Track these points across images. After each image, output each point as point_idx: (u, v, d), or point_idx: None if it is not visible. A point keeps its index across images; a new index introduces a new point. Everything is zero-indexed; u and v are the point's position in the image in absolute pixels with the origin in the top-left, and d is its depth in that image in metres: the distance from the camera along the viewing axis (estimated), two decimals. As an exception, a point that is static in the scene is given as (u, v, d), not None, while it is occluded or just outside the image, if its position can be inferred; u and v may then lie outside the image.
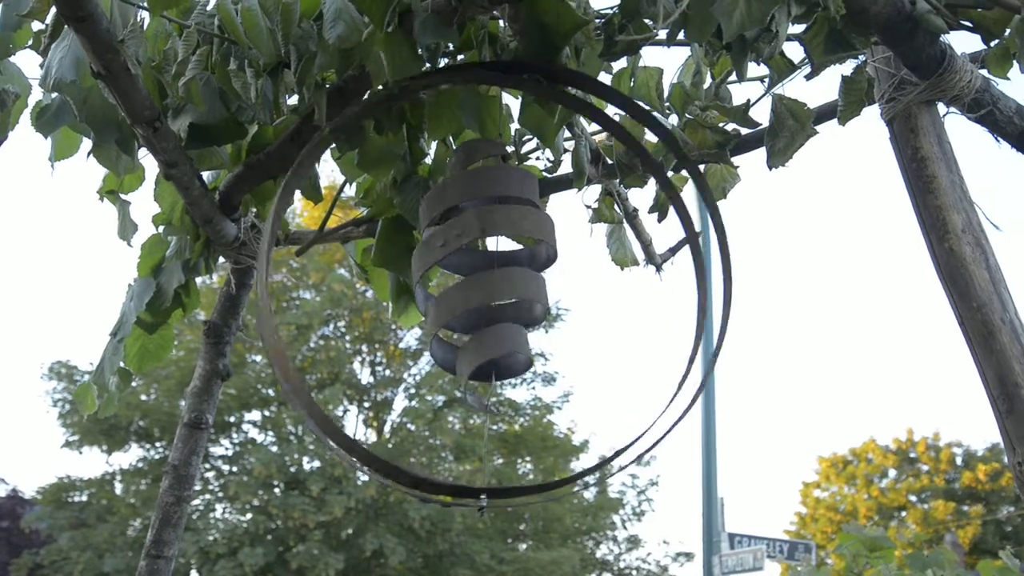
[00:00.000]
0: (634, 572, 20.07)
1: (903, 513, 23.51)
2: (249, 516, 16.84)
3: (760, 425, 56.70)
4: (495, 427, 18.24)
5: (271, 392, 17.64)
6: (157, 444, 16.88)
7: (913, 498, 23.89)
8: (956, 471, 23.85)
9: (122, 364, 2.35)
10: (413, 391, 18.83)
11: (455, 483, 1.55)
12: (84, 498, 16.97)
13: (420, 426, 17.98)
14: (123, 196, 2.20)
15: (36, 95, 1.95)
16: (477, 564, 17.05)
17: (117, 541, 16.30)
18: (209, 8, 1.67)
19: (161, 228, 2.27)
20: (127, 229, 2.22)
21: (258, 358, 17.82)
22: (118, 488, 16.81)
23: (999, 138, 1.82)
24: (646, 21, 1.51)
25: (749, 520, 63.94)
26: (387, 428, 19.21)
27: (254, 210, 2.30)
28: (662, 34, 1.60)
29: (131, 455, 16.87)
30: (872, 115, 1.91)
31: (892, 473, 25.05)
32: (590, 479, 15.31)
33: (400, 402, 18.91)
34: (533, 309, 1.70)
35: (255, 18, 1.57)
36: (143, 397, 16.70)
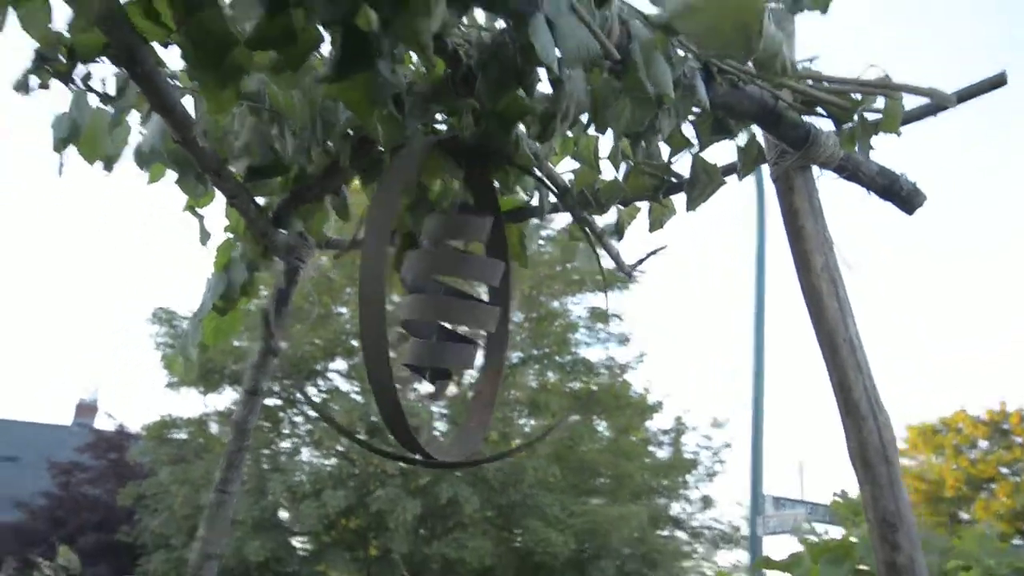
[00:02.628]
0: (706, 531, 20.64)
1: (992, 485, 23.17)
2: (333, 460, 18.13)
3: None
4: (570, 386, 18.95)
5: (355, 343, 18.83)
6: (247, 387, 18.54)
7: (1004, 470, 23.49)
8: None
9: (201, 339, 2.99)
10: (488, 349, 19.75)
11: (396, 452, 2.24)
12: (183, 436, 18.62)
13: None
14: (199, 211, 2.92)
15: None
16: (548, 516, 17.82)
17: (212, 477, 17.95)
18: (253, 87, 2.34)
19: (230, 235, 2.98)
20: (204, 236, 2.97)
21: (343, 309, 18.98)
22: (214, 428, 18.42)
23: (869, 190, 2.30)
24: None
25: (830, 485, 63.46)
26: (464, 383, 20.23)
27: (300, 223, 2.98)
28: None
29: (225, 397, 18.37)
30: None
31: (983, 444, 24.64)
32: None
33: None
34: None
35: (292, 99, 2.21)
36: (236, 343, 18.16)
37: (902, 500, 2.13)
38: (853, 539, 4.16)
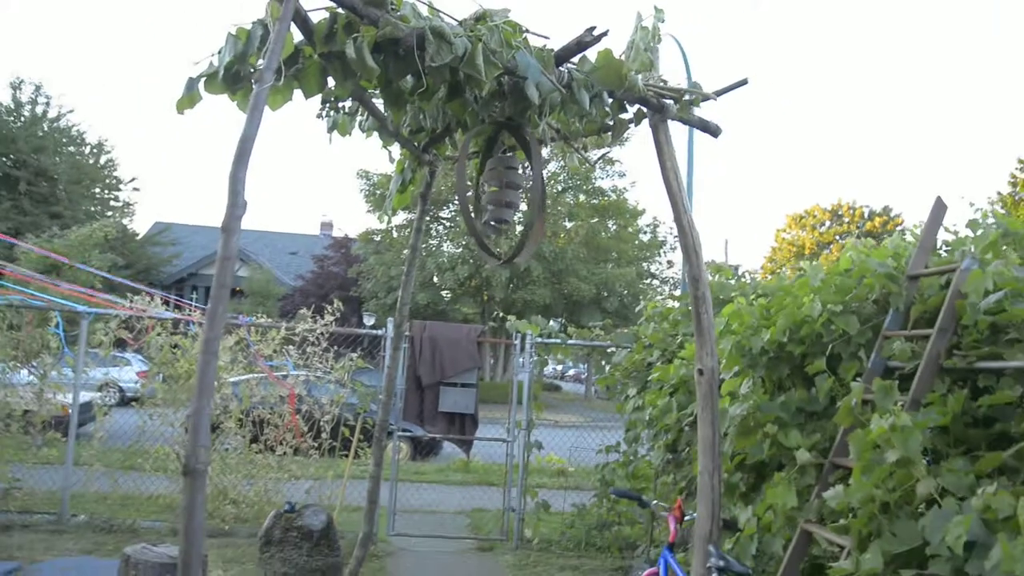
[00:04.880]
0: (669, 279, 31.58)
1: (831, 246, 34.93)
2: (460, 249, 26.47)
3: (754, 186, 71.53)
4: (592, 202, 28.93)
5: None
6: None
7: (838, 238, 35.09)
8: (863, 221, 35.01)
9: (392, 204, 5.24)
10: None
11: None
12: (379, 239, 28.79)
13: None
14: (390, 149, 4.73)
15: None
16: (579, 275, 25.40)
17: (399, 259, 26.85)
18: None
19: (404, 157, 4.95)
20: (392, 158, 4.95)
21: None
22: (395, 233, 28.53)
23: (696, 128, 4.13)
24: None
25: (746, 253, 79.83)
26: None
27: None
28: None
29: (397, 217, 26.02)
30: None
31: (827, 223, 36.25)
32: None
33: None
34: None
35: (428, 105, 3.86)
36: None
37: (702, 273, 4.60)
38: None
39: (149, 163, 76.83)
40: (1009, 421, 2.98)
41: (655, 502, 4.42)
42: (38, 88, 29.71)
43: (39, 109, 29.63)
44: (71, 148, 30.11)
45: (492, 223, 4.51)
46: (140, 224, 48.53)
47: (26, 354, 7.91)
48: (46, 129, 29.24)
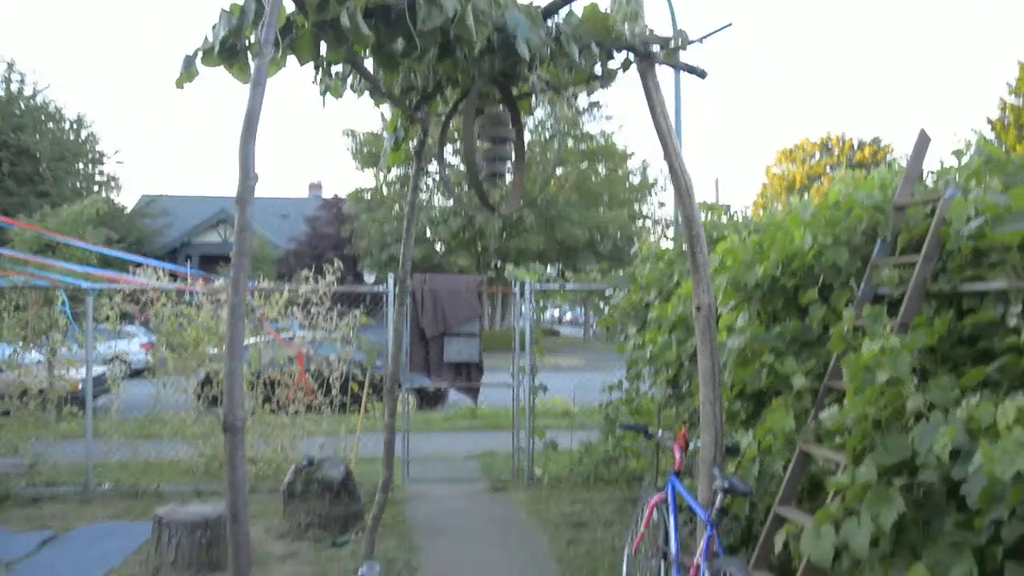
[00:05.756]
0: (662, 220, 31.59)
1: (821, 179, 34.93)
2: (450, 202, 26.90)
3: (744, 126, 71.15)
4: (581, 146, 28.81)
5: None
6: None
7: (828, 170, 35.02)
8: (853, 153, 34.89)
9: (387, 163, 5.17)
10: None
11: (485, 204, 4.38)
12: (368, 196, 28.74)
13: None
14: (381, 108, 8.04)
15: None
16: (572, 220, 25.56)
17: (391, 215, 27.14)
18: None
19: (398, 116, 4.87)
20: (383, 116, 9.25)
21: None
22: (384, 190, 28.45)
23: (683, 71, 4.38)
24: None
25: (737, 192, 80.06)
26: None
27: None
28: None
29: (388, 174, 26.27)
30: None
31: (816, 156, 36.11)
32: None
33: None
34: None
35: (420, 65, 3.79)
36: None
37: (695, 214, 4.55)
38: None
39: (129, 137, 75.78)
40: (992, 338, 3.15)
41: (660, 433, 4.63)
42: (11, 66, 29.17)
43: (14, 87, 29.12)
44: (50, 125, 29.67)
45: (489, 176, 4.64)
46: (127, 198, 48.22)
47: (35, 333, 8.03)
48: (23, 108, 28.77)
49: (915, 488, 2.94)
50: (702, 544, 3.50)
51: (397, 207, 26.84)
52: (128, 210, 31.98)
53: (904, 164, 4.21)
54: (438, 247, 27.32)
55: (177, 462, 8.06)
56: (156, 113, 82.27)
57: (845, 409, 3.23)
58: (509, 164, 4.80)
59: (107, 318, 7.86)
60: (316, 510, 5.91)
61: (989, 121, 23.13)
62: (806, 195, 6.15)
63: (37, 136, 28.46)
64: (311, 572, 5.12)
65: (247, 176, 2.51)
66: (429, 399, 12.96)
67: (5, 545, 5.70)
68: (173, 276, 9.55)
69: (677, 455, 4.11)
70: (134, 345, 16.28)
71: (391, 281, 7.62)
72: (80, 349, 7.96)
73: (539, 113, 25.90)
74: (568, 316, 53.40)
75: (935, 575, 2.67)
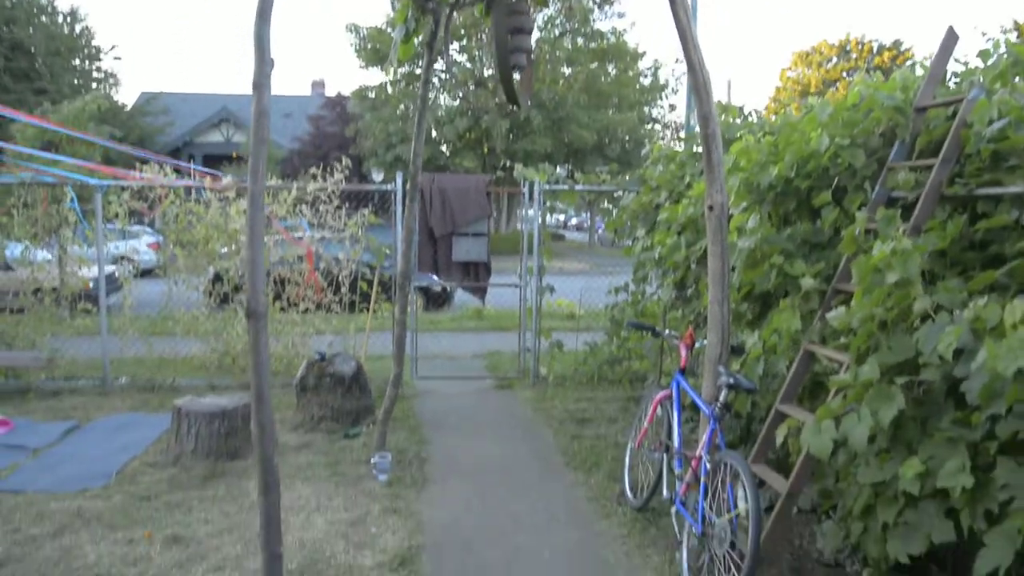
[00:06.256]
0: (672, 123, 30.95)
1: (837, 83, 33.85)
2: (457, 101, 25.69)
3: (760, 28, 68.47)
4: (591, 45, 27.88)
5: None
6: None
7: (845, 75, 33.91)
8: (872, 56, 33.60)
9: (398, 55, 5.05)
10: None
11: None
12: (373, 95, 28.11)
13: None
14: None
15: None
16: (581, 122, 25.00)
17: (396, 115, 26.96)
18: None
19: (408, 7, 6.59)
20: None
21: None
22: (390, 89, 27.78)
23: None
24: None
25: (750, 95, 77.83)
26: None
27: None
28: None
29: (392, 72, 25.54)
30: None
31: (834, 59, 34.79)
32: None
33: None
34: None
35: None
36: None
37: (712, 111, 5.32)
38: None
39: (125, 33, 73.61)
40: (1004, 243, 3.15)
41: (667, 331, 4.71)
42: (-3, -45, 28.03)
43: (2, -24, 28.09)
44: (43, 18, 28.75)
45: (515, 62, 4.58)
46: (126, 96, 47.22)
47: (45, 231, 8.06)
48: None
49: (915, 387, 3.01)
50: (704, 437, 3.62)
51: (402, 107, 26.29)
52: (128, 108, 31.38)
53: (926, 67, 4.10)
54: (444, 148, 26.89)
55: (191, 358, 8.25)
56: (151, 7, 79.61)
57: (852, 309, 3.27)
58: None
59: (116, 215, 7.85)
60: (328, 403, 6.09)
61: (1015, 23, 22.24)
62: (822, 98, 5.99)
63: (31, 30, 27.60)
64: (325, 461, 5.32)
65: (263, 60, 2.48)
66: (436, 300, 13.12)
67: (30, 434, 5.91)
68: (179, 173, 9.48)
69: (683, 353, 4.19)
70: (141, 245, 16.33)
71: (399, 180, 7.57)
72: (90, 248, 7.99)
73: (548, 11, 24.87)
74: (574, 220, 53.17)
75: (929, 469, 2.78)
